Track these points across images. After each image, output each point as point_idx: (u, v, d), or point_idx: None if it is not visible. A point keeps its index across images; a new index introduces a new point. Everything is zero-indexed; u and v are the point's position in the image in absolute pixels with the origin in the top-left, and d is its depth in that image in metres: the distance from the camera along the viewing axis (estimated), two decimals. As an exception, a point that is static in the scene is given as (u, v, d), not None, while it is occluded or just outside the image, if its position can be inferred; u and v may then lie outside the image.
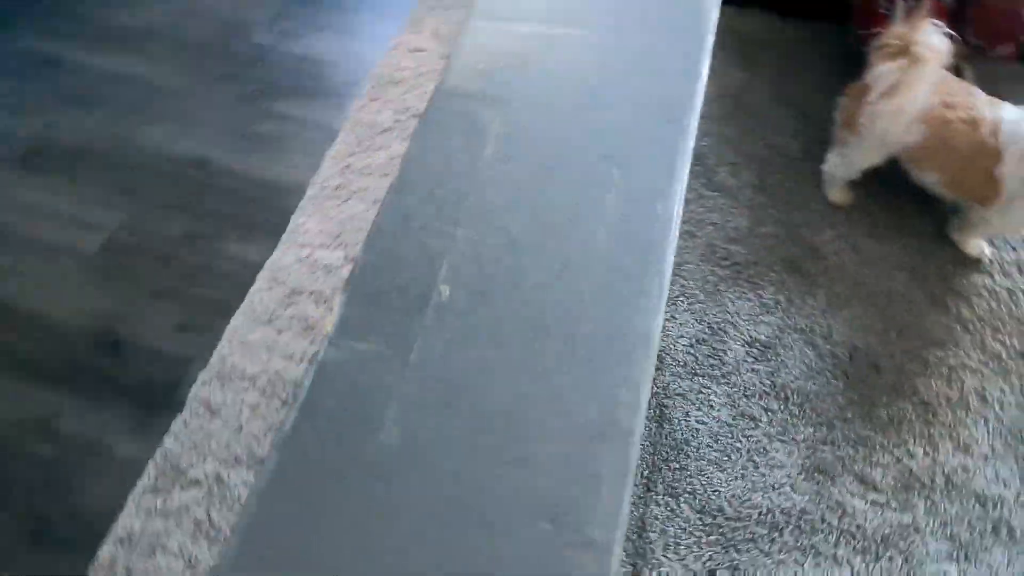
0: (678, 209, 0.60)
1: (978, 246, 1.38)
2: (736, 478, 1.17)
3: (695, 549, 1.11)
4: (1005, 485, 1.17)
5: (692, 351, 1.29)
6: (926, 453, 1.19)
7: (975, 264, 1.39)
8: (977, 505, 1.15)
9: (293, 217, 1.44)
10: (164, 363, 1.28)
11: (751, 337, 1.30)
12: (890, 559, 1.11)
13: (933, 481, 1.17)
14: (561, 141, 0.64)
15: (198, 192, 1.49)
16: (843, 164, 1.40)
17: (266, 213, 1.45)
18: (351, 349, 0.52)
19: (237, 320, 1.31)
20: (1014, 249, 1.41)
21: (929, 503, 1.15)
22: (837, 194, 1.45)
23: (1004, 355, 1.29)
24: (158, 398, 1.24)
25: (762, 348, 1.29)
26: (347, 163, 1.50)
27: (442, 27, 1.73)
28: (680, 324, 1.32)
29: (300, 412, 0.50)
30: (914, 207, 1.43)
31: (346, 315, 0.54)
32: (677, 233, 0.59)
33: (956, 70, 1.34)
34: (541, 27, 0.72)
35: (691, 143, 0.65)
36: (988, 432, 1.21)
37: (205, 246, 1.42)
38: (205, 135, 1.56)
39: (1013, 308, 1.34)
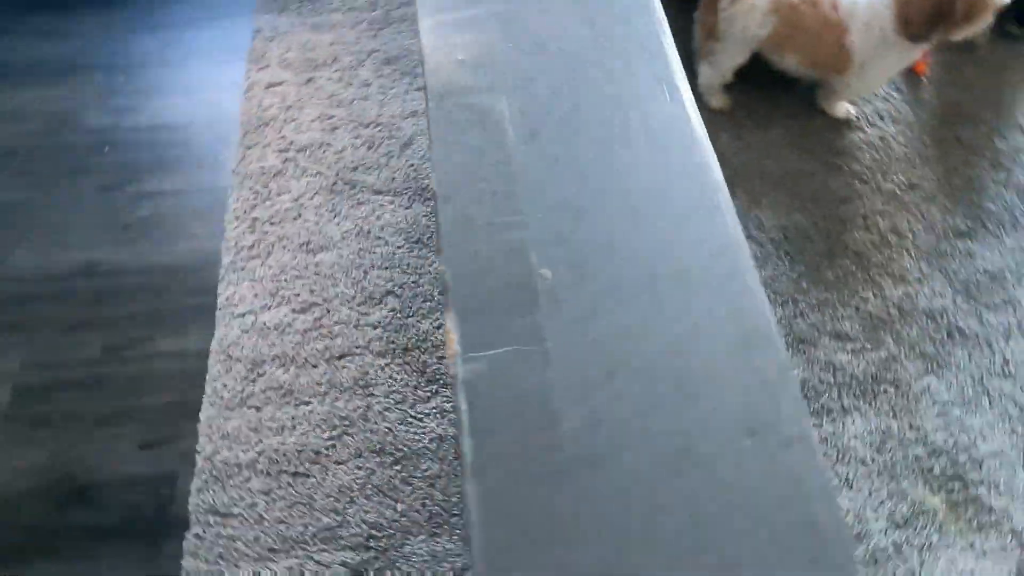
0: (701, 126, 0.63)
1: (843, 108, 1.56)
2: (738, 376, 1.25)
3: (731, 451, 1.19)
4: (942, 296, 1.34)
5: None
6: (875, 295, 1.34)
7: (846, 124, 1.56)
8: (929, 321, 1.32)
9: (219, 290, 1.33)
10: (145, 488, 1.16)
11: (699, 249, 1.39)
12: (884, 391, 1.24)
13: (889, 315, 1.32)
14: (570, 103, 0.65)
15: (98, 302, 1.34)
16: (714, 72, 1.52)
17: (187, 297, 1.34)
18: (487, 359, 0.51)
19: (207, 414, 1.21)
20: (869, 103, 1.60)
21: (894, 334, 1.30)
22: (717, 100, 1.57)
23: (898, 192, 1.47)
24: (156, 525, 1.12)
25: (712, 255, 1.38)
26: (252, 218, 1.41)
27: (288, 54, 1.66)
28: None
29: (473, 438, 0.48)
30: (782, 92, 1.58)
31: (465, 330, 0.52)
32: (710, 144, 0.62)
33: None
34: (494, 6, 0.72)
35: (680, 68, 0.68)
36: (913, 259, 1.39)
37: (134, 354, 1.28)
38: (80, 240, 1.40)
39: (889, 150, 1.52)
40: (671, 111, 0.64)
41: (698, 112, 0.64)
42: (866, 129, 1.55)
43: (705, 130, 0.63)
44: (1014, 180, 1.50)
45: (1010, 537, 1.11)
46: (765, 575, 0.45)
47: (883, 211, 1.44)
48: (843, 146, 1.53)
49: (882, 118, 1.57)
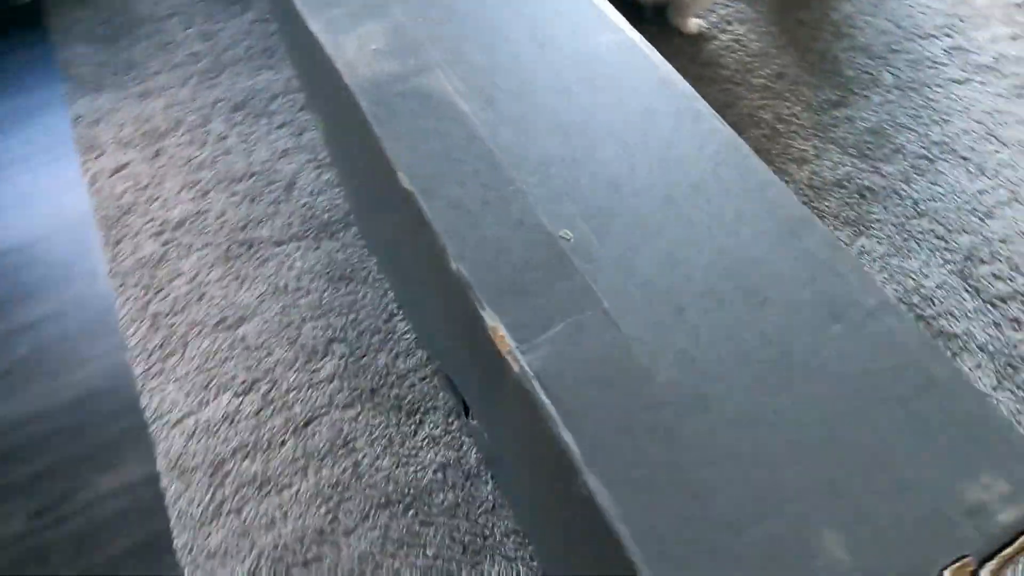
0: (647, 44, 0.61)
1: (695, 24, 1.61)
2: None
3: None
4: (842, 164, 1.42)
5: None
6: (787, 182, 1.39)
7: (701, 38, 1.61)
8: (840, 190, 1.38)
9: (142, 404, 1.18)
10: (141, 647, 1.00)
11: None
12: (830, 266, 1.29)
13: (806, 195, 1.38)
14: (510, 59, 0.60)
15: (4, 468, 1.15)
16: (568, 23, 1.52)
17: (109, 424, 1.17)
18: (548, 341, 0.46)
19: (182, 539, 1.06)
20: (713, 12, 1.66)
21: (816, 212, 1.36)
22: (578, 50, 1.57)
23: (769, 84, 1.53)
24: None
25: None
26: (151, 315, 1.26)
27: (123, 132, 1.49)
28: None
29: (570, 429, 0.43)
30: (635, 24, 1.60)
31: (509, 320, 0.47)
32: (663, 58, 0.60)
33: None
34: (379, -11, 0.66)
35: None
36: (804, 139, 1.45)
37: (70, 509, 1.11)
38: (-46, 407, 1.19)
39: (746, 49, 1.59)
40: (613, 38, 0.61)
41: (636, 31, 0.61)
42: (720, 36, 1.61)
43: (652, 47, 0.60)
44: (858, 43, 1.61)
45: (980, 353, 1.19)
46: (913, 446, 0.43)
47: (763, 105, 1.50)
48: (706, 57, 1.58)
49: (729, 23, 1.63)
